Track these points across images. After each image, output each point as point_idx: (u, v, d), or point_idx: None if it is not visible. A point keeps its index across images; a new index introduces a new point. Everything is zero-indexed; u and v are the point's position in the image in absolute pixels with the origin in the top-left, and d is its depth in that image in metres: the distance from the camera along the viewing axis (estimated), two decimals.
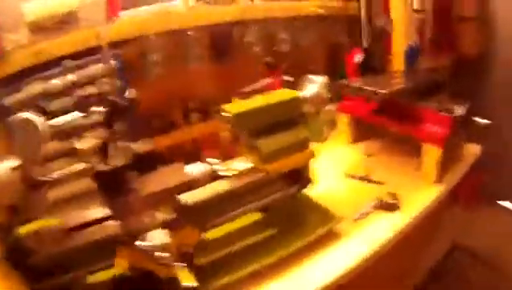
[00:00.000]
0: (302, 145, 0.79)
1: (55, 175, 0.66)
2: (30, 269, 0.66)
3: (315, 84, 0.83)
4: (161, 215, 0.60)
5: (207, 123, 1.07)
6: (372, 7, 1.10)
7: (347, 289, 0.75)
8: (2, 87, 1.14)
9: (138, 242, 0.57)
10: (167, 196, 0.62)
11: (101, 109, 0.63)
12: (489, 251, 1.41)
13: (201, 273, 0.65)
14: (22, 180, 0.59)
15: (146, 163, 0.64)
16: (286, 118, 0.78)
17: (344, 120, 1.15)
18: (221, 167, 0.68)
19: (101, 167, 0.58)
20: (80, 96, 0.67)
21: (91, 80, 1.03)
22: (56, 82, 1.03)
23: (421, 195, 0.93)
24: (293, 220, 0.84)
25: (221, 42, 1.07)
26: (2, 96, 1.13)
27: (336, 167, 0.88)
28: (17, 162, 0.60)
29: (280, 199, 0.79)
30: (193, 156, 0.79)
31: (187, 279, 0.56)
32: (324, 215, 0.84)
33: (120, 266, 0.63)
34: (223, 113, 0.72)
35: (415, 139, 0.99)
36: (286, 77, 0.84)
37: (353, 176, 0.99)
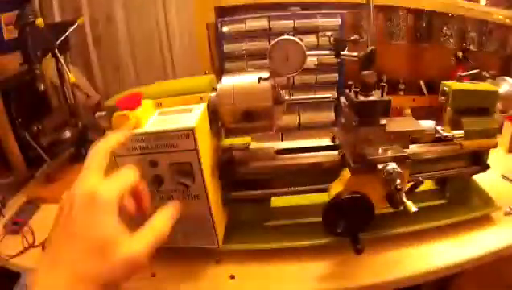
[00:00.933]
0: (491, 133, 0.90)
1: (300, 97, 0.79)
2: (232, 179, 0.79)
3: (507, 85, 0.94)
4: (395, 151, 0.71)
5: (393, 97, 1.20)
6: None
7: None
8: (223, 16, 1.33)
9: (379, 166, 0.68)
10: (403, 137, 0.74)
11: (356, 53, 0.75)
12: None
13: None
14: (271, 92, 0.70)
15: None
16: (485, 106, 0.90)
17: (509, 128, 1.23)
18: (442, 129, 0.80)
19: (362, 98, 0.70)
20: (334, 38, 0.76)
21: (314, 31, 1.20)
22: (286, 22, 1.20)
23: None
24: (462, 196, 0.95)
25: (423, 27, 1.19)
26: (224, 24, 1.32)
27: (494, 168, 0.98)
28: (267, 74, 0.72)
29: (463, 174, 0.91)
30: None
31: (411, 205, 0.65)
32: (485, 200, 0.95)
33: (336, 188, 0.75)
34: (444, 87, 0.85)
35: None
36: (485, 73, 0.95)
37: (507, 178, 1.09)
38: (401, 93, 1.36)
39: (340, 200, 0.70)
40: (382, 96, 0.70)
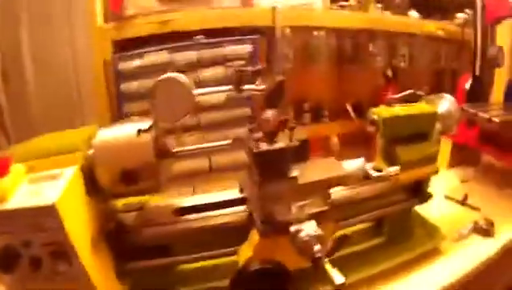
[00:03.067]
0: (431, 159, 0.80)
1: (192, 147, 0.68)
2: (125, 248, 0.66)
3: (447, 102, 0.84)
4: (313, 206, 0.59)
5: (318, 125, 1.09)
6: (487, 36, 1.10)
7: None
8: (120, 51, 1.18)
9: (293, 229, 0.56)
10: (322, 188, 0.62)
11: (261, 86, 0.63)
12: None
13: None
14: (153, 146, 0.58)
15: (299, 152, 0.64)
16: (423, 130, 0.79)
17: (446, 144, 1.15)
18: (371, 168, 0.69)
19: (265, 146, 0.57)
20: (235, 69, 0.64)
21: (222, 61, 1.06)
22: (189, 54, 1.06)
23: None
24: (403, 232, 0.84)
25: (346, 48, 1.08)
26: (121, 59, 1.17)
27: (435, 188, 0.90)
28: (148, 124, 0.59)
29: (401, 209, 0.80)
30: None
31: (336, 274, 0.53)
32: (430, 231, 0.86)
33: (244, 254, 0.62)
34: (372, 116, 0.73)
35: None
36: (419, 92, 0.85)
37: (451, 199, 1.00)
38: (325, 120, 1.22)
39: (248, 272, 0.57)
40: (291, 140, 0.56)
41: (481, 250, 0.86)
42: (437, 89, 1.02)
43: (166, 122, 0.60)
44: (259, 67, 0.62)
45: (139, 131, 0.58)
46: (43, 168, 0.60)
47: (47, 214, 0.52)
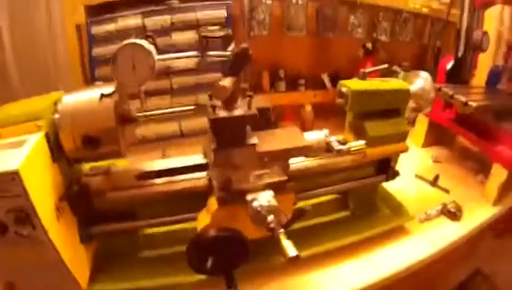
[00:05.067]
0: (400, 137, 0.80)
1: (155, 112, 0.66)
2: (89, 212, 0.66)
3: (421, 80, 0.83)
4: (271, 176, 0.59)
5: (291, 93, 1.07)
6: (473, 19, 1.08)
7: None
8: (93, 15, 1.14)
9: (249, 197, 0.56)
10: (282, 158, 0.62)
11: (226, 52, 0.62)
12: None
13: None
14: (114, 111, 0.58)
15: (260, 120, 0.62)
16: (393, 107, 0.78)
17: (423, 122, 1.15)
18: (334, 141, 0.68)
19: (222, 113, 0.57)
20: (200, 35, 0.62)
21: (195, 26, 1.03)
22: (163, 18, 1.02)
23: (479, 211, 0.94)
24: (368, 208, 0.85)
25: (326, 17, 1.05)
26: (94, 23, 1.13)
27: (406, 167, 0.89)
28: (111, 89, 0.59)
29: (367, 185, 0.80)
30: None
31: (290, 247, 0.52)
32: (396, 208, 0.87)
33: (203, 221, 0.62)
34: (342, 88, 0.72)
35: (485, 156, 1.00)
36: (396, 67, 0.83)
37: (421, 178, 1.01)
38: (301, 88, 1.21)
39: (205, 238, 0.57)
40: (250, 108, 0.55)
41: (446, 234, 0.86)
42: (418, 66, 1.00)
43: (128, 87, 0.59)
44: (226, 32, 0.60)
45: (102, 96, 0.57)
46: (10, 136, 0.60)
47: (10, 180, 0.52)
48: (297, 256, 0.52)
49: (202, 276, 0.67)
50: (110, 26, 1.08)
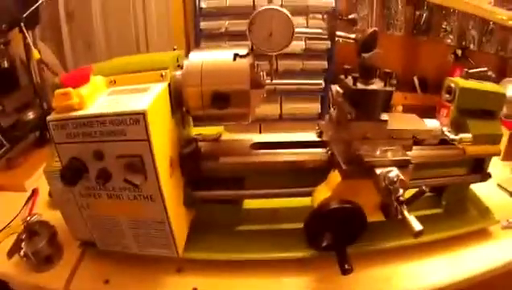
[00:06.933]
0: (496, 139, 0.81)
1: (283, 81, 0.67)
2: (198, 175, 0.66)
3: None
4: (395, 154, 0.59)
5: None
6: None
7: None
8: None
9: (379, 171, 0.56)
10: (407, 138, 0.63)
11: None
12: None
13: None
14: (249, 73, 0.57)
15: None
16: (491, 109, 0.80)
17: (505, 134, 1.13)
18: (448, 131, 0.70)
19: (361, 86, 0.58)
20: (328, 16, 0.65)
21: (304, 12, 1.06)
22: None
23: None
24: (458, 206, 0.86)
25: (422, 20, 1.09)
26: None
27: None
28: (245, 51, 0.59)
29: (461, 182, 0.81)
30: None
31: (415, 221, 0.54)
32: (483, 212, 0.86)
33: (321, 194, 0.63)
34: (450, 84, 0.75)
35: None
36: (491, 73, 0.86)
37: (503, 188, 1.01)
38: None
39: (327, 210, 0.59)
40: (386, 85, 0.58)
41: None
42: (500, 76, 1.02)
43: (263, 51, 0.60)
44: (355, 15, 0.64)
45: (235, 56, 0.58)
46: (126, 84, 0.60)
47: (134, 122, 0.51)
48: (421, 231, 0.53)
49: (301, 254, 0.69)
50: (220, 2, 1.13)
